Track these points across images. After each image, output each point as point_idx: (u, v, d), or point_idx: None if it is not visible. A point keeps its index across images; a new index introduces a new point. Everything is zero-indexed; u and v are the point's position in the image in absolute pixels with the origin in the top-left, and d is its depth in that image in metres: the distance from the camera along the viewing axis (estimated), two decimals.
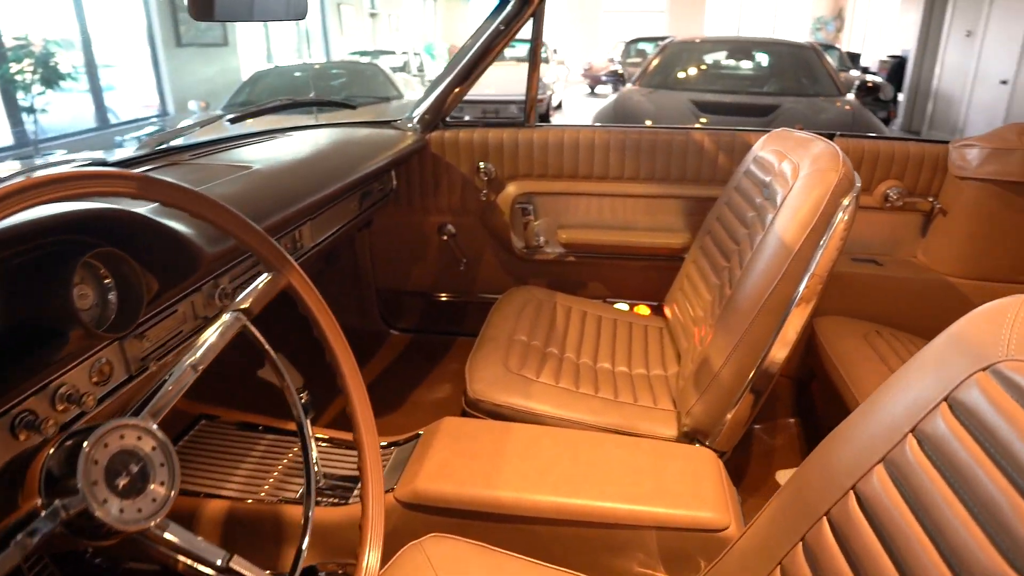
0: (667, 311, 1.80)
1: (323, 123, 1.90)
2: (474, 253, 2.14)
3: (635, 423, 1.37)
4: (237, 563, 0.65)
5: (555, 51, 12.98)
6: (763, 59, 6.10)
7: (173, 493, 0.60)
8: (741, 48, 6.30)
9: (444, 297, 2.25)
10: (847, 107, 4.88)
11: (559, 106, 11.24)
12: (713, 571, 0.93)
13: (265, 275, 0.76)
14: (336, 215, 1.61)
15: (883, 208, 1.89)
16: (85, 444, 0.57)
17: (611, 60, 12.53)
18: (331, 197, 1.39)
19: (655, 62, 5.78)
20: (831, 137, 1.83)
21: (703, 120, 4.70)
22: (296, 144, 1.62)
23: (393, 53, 11.57)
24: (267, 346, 0.77)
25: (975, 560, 0.55)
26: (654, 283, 2.02)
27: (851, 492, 0.70)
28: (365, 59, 9.22)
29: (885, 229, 1.93)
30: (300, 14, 1.10)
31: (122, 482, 0.58)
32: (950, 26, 9.79)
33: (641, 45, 12.58)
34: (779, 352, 1.24)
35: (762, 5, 16.66)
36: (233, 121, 1.66)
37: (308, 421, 0.86)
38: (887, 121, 9.88)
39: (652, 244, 1.99)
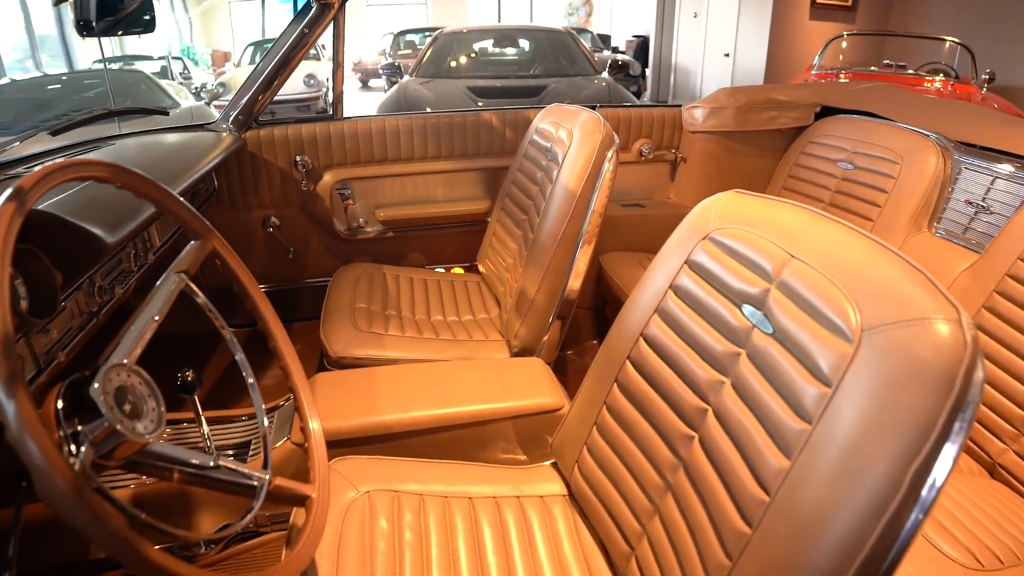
0: (481, 267, 2.11)
1: (144, 130, 1.97)
2: (300, 241, 2.32)
3: (475, 353, 1.67)
4: (224, 462, 0.85)
5: (323, 47, 12.89)
6: (527, 45, 6.62)
7: (164, 410, 0.79)
8: (506, 36, 6.79)
9: (276, 287, 2.40)
10: (603, 84, 5.51)
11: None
12: (556, 441, 1.25)
13: (192, 242, 0.95)
14: (171, 218, 1.73)
15: (639, 161, 2.34)
16: (95, 383, 0.73)
17: (383, 53, 12.69)
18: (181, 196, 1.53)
19: (428, 53, 6.07)
20: (593, 108, 2.24)
21: (480, 104, 5.08)
22: (128, 151, 1.71)
23: (150, 58, 10.87)
24: (205, 298, 0.96)
25: (712, 348, 0.90)
26: (466, 246, 2.33)
27: (640, 338, 1.04)
28: (115, 66, 8.64)
29: (643, 178, 2.39)
30: None
31: (127, 407, 0.76)
32: (680, 8, 11.12)
33: (409, 37, 12.86)
34: (575, 282, 1.60)
35: None
36: (55, 133, 1.70)
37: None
38: (639, 93, 11.03)
39: (460, 212, 2.30)
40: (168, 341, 0.88)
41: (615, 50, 13.06)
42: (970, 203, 1.76)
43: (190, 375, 0.99)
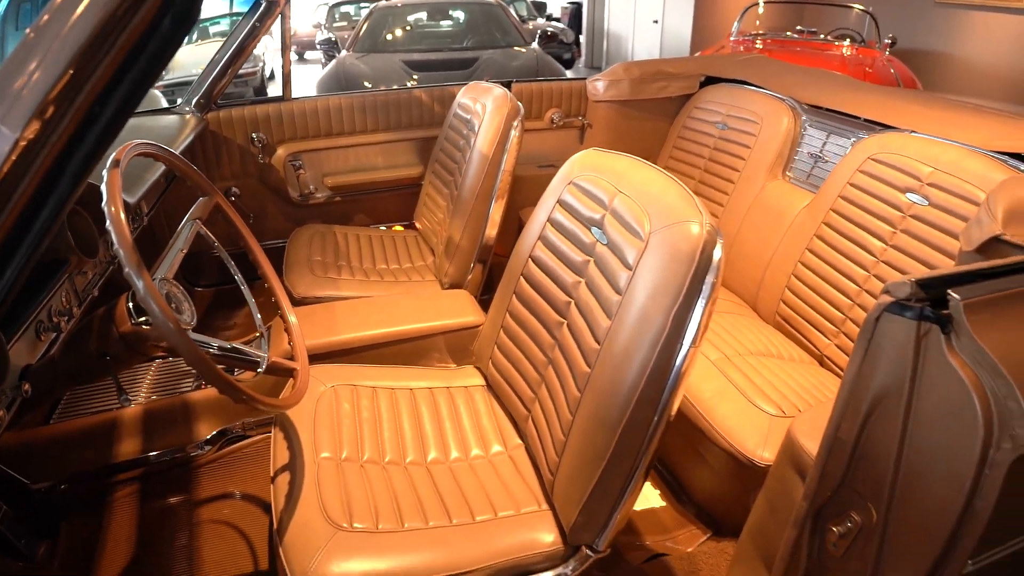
0: (418, 224, 2.47)
1: None
2: (259, 208, 2.64)
3: (414, 291, 2.05)
4: (237, 344, 1.20)
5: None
6: (460, 16, 6.89)
7: (194, 309, 1.14)
8: (439, 8, 7.02)
9: (239, 250, 2.71)
10: (532, 54, 5.86)
11: (272, 76, 11.29)
12: (475, 346, 1.63)
13: (201, 198, 1.30)
14: (154, 190, 2.04)
15: (551, 128, 2.73)
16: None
17: (318, 26, 12.72)
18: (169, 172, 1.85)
19: (364, 27, 6.27)
20: (509, 84, 2.61)
21: (415, 77, 5.37)
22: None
23: None
24: (214, 239, 1.31)
25: (573, 259, 1.29)
26: (404, 206, 2.69)
27: (529, 259, 1.42)
28: None
29: (556, 143, 2.77)
30: None
31: (173, 305, 1.10)
32: None
33: (344, 8, 12.92)
34: (491, 230, 1.98)
35: None
36: None
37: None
38: (572, 61, 11.38)
39: (398, 177, 2.65)
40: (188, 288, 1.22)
41: (550, 18, 13.36)
42: (811, 155, 2.19)
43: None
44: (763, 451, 1.44)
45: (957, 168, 1.65)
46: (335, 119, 2.55)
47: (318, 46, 6.99)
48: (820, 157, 2.15)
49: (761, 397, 1.59)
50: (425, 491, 1.28)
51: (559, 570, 1.19)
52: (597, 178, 1.29)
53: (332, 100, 2.52)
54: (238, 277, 1.35)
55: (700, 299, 1.02)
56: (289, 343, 1.34)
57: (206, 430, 1.79)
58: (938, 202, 1.65)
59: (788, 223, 2.06)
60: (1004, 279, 0.99)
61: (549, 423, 1.27)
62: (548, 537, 1.20)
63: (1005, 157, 1.63)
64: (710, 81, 2.68)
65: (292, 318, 1.37)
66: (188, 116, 2.34)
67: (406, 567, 1.11)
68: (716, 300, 1.04)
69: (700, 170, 2.48)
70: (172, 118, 2.29)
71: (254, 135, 2.48)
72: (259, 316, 1.34)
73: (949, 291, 0.91)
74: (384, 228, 2.72)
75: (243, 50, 2.33)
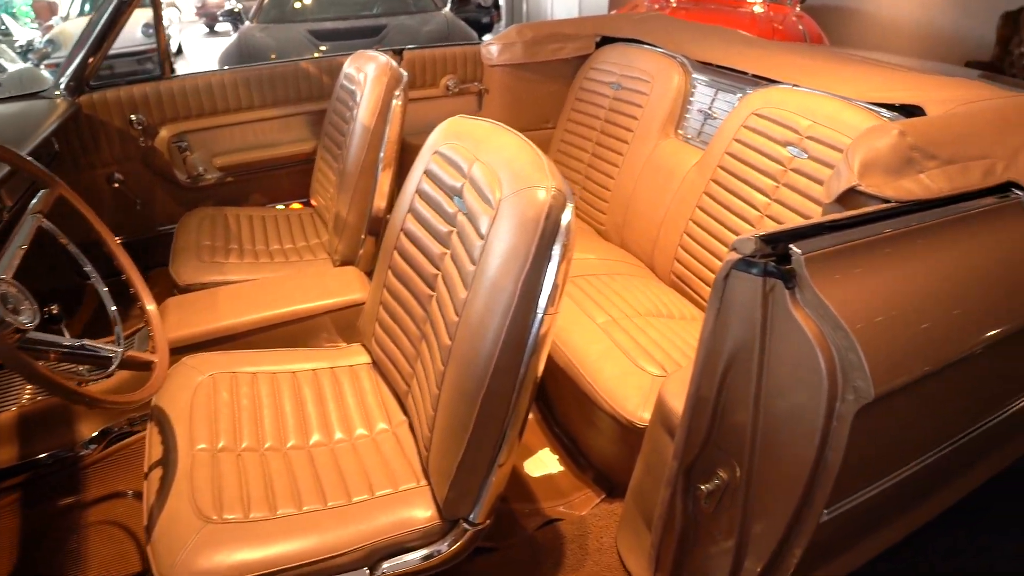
0: (313, 201, 2.41)
1: None
2: (146, 193, 2.52)
3: (304, 270, 2.00)
4: (87, 341, 1.14)
5: None
6: None
7: (37, 308, 1.07)
8: None
9: (129, 238, 2.60)
10: (443, 19, 5.74)
11: (179, 51, 10.82)
12: (359, 324, 1.60)
13: (42, 191, 1.22)
14: (20, 182, 1.92)
15: (448, 95, 2.67)
16: None
17: None
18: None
19: None
20: (401, 52, 2.54)
21: (323, 48, 5.21)
22: None
23: None
24: (63, 235, 1.24)
25: (439, 230, 1.27)
26: (300, 183, 2.61)
27: (400, 232, 1.39)
28: None
29: (454, 109, 2.69)
30: None
31: (10, 306, 1.03)
32: None
33: None
34: (380, 202, 1.93)
35: None
36: None
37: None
38: (491, 24, 11.24)
39: (290, 153, 2.57)
40: (35, 294, 1.14)
41: None
42: (701, 112, 2.20)
43: (55, 309, 1.26)
44: (644, 412, 1.46)
45: (833, 121, 1.68)
46: (219, 96, 2.45)
47: (220, 18, 6.71)
48: (709, 114, 2.17)
49: (645, 358, 1.61)
50: (303, 476, 1.25)
51: (435, 546, 1.19)
52: (458, 145, 1.27)
53: (214, 76, 2.41)
54: (88, 269, 1.28)
55: (550, 264, 1.01)
56: (149, 333, 1.29)
57: (89, 429, 1.72)
58: (816, 155, 1.68)
59: (679, 181, 2.07)
60: (845, 232, 1.01)
61: (424, 398, 1.26)
62: (425, 513, 1.19)
63: (880, 109, 1.66)
64: (607, 41, 2.66)
65: (150, 306, 1.31)
66: (58, 100, 2.21)
67: (277, 554, 1.09)
68: (569, 263, 1.04)
69: (597, 131, 2.47)
70: (39, 103, 2.16)
71: (133, 117, 2.36)
72: (113, 308, 1.28)
73: (791, 246, 0.92)
74: (282, 207, 2.64)
75: (114, 23, 2.19)
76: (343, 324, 1.78)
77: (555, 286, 1.02)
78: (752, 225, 1.79)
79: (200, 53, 11.66)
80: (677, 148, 2.18)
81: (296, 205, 2.67)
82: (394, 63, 1.95)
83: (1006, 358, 1.17)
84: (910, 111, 1.62)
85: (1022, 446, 1.48)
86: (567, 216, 1.01)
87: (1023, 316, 1.14)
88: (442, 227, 1.26)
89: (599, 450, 1.74)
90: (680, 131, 2.25)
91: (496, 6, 12.14)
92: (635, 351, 1.63)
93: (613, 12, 7.54)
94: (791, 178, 1.72)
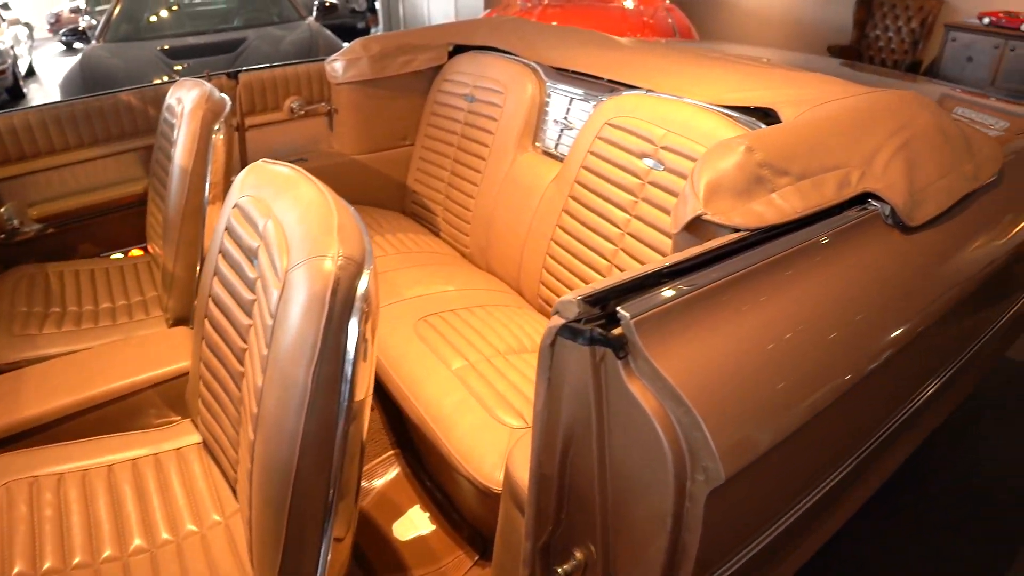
0: (150, 247, 2.17)
1: None
2: None
3: (134, 332, 1.77)
4: None
5: (5, 6, 11.25)
6: None
7: None
8: None
9: None
10: (307, 30, 5.47)
11: (31, 73, 9.99)
12: (187, 397, 1.41)
13: None
14: None
15: (293, 118, 2.48)
16: None
17: (77, 11, 11.34)
18: None
19: (116, 12, 5.57)
20: (236, 74, 2.33)
21: (178, 68, 4.86)
22: None
23: None
24: None
25: (241, 295, 1.10)
26: (136, 227, 2.35)
27: (208, 297, 1.22)
28: None
29: (303, 133, 2.53)
30: None
31: None
32: None
33: None
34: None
35: None
36: None
37: None
38: (367, 30, 10.95)
39: (120, 196, 2.31)
40: None
41: None
42: (556, 122, 2.10)
43: None
44: (500, 473, 1.33)
45: (687, 128, 1.60)
46: (26, 140, 2.16)
47: (62, 38, 6.18)
48: (566, 125, 2.07)
49: (503, 407, 1.48)
50: None
51: None
52: (256, 198, 1.11)
53: (17, 117, 2.13)
54: None
55: (348, 345, 0.87)
56: None
57: None
58: (673, 166, 1.60)
59: (539, 198, 1.96)
60: (688, 277, 0.90)
61: (244, 476, 1.10)
62: None
63: (736, 112, 1.59)
64: (462, 50, 2.53)
65: None
66: None
67: None
68: (371, 342, 0.90)
69: (454, 147, 2.34)
70: None
71: None
72: None
73: (619, 308, 0.81)
74: (120, 255, 2.38)
75: None
76: (173, 397, 1.57)
77: (355, 371, 0.88)
78: (614, 244, 1.70)
79: (57, 74, 10.82)
80: (535, 162, 2.07)
81: (136, 251, 2.42)
82: (214, 91, 1.75)
83: (882, 383, 1.10)
84: (766, 111, 1.56)
85: (895, 462, 1.43)
86: (363, 284, 0.87)
87: (897, 340, 1.07)
88: (246, 294, 1.10)
89: (468, 508, 1.60)
90: (538, 143, 2.15)
91: (372, 10, 11.85)
92: (493, 400, 1.50)
93: (483, 14, 7.40)
94: (649, 192, 1.64)
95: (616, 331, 0.79)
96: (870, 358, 1.01)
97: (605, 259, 1.72)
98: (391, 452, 1.77)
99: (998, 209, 1.45)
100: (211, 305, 1.22)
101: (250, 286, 1.08)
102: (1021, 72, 4.99)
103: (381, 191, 2.61)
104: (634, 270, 0.88)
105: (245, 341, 1.09)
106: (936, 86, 2.51)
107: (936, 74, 5.57)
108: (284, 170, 1.11)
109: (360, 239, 0.90)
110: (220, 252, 1.19)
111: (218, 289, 1.19)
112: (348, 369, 0.87)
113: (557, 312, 0.82)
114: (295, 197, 1.01)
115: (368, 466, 1.76)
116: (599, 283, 0.83)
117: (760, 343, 0.87)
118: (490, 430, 1.41)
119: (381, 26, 12.03)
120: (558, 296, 1.86)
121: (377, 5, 12.23)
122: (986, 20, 5.14)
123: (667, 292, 0.83)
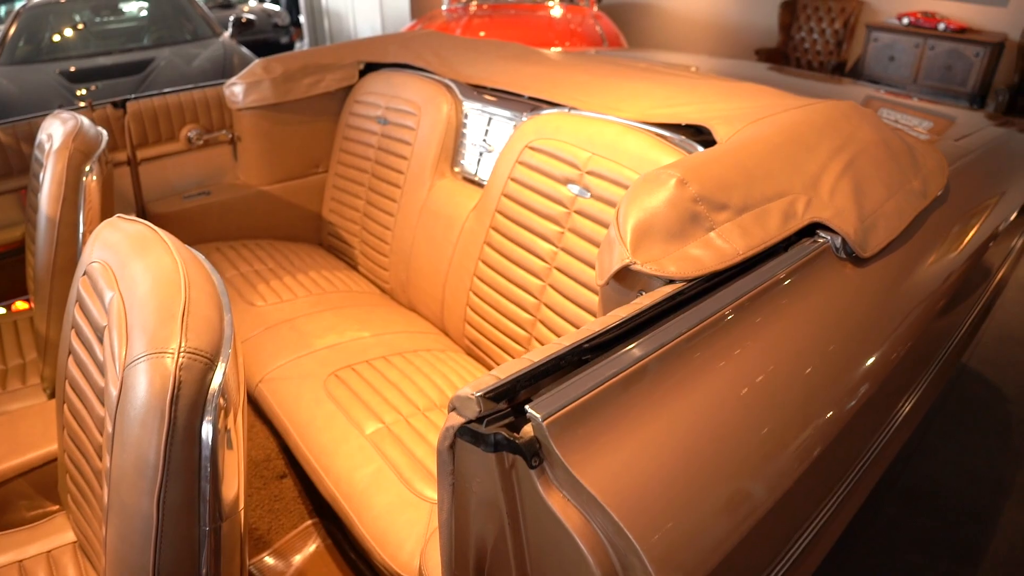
0: (33, 302, 1.94)
1: None
2: None
3: (5, 407, 1.55)
4: None
5: None
6: (136, 9, 5.98)
7: None
8: (107, 2, 6.07)
9: None
10: (220, 48, 5.21)
11: None
12: (59, 489, 1.21)
13: None
14: None
15: (192, 149, 2.27)
16: None
17: None
18: None
19: (11, 33, 5.22)
20: (124, 103, 2.11)
21: (81, 92, 4.55)
22: None
23: None
24: None
25: (96, 383, 0.92)
26: (15, 278, 2.11)
27: (66, 381, 1.03)
28: None
29: (204, 164, 2.32)
30: None
31: None
32: None
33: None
34: None
35: None
36: None
37: None
38: (291, 45, 10.65)
39: None
40: None
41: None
42: (475, 144, 1.95)
43: None
44: (418, 559, 1.17)
45: (614, 150, 1.47)
46: None
47: None
48: (485, 147, 1.93)
49: (423, 478, 1.31)
50: None
51: None
52: (104, 265, 0.92)
53: None
54: None
55: (202, 461, 0.70)
56: None
57: None
58: (600, 193, 1.47)
59: (459, 230, 1.81)
60: (613, 355, 0.76)
61: None
62: None
63: (666, 131, 1.47)
64: (374, 68, 2.37)
65: None
66: None
67: None
68: (236, 430, 0.73)
69: (369, 175, 2.17)
70: None
71: None
72: None
73: (528, 407, 0.66)
74: (3, 309, 2.14)
75: None
76: (48, 484, 1.36)
77: (216, 487, 0.71)
78: (541, 279, 1.56)
79: None
80: (454, 189, 1.92)
81: (21, 304, 2.17)
82: (86, 125, 1.55)
83: (848, 442, 0.97)
84: (698, 128, 1.44)
85: (862, 498, 1.32)
86: (217, 378, 0.71)
87: (861, 394, 0.95)
88: (99, 378, 0.91)
89: None
90: (457, 168, 2.00)
91: (296, 24, 11.54)
92: (410, 470, 1.33)
93: (406, 27, 7.20)
94: (576, 222, 1.51)
95: (527, 430, 0.65)
96: (832, 431, 0.88)
97: (532, 296, 1.58)
98: (308, 522, 1.59)
99: (948, 222, 1.36)
100: (68, 387, 1.03)
101: (102, 370, 0.90)
102: (941, 69, 5.08)
103: (294, 224, 2.42)
104: (548, 346, 0.73)
105: (102, 434, 0.91)
106: (861, 88, 2.45)
107: (861, 73, 5.64)
108: (139, 229, 0.93)
109: (215, 322, 0.74)
110: (72, 327, 1.00)
111: (72, 369, 1.01)
112: (206, 488, 0.70)
113: (454, 409, 0.67)
114: (145, 266, 0.83)
115: (283, 540, 1.57)
116: (505, 367, 0.68)
117: (705, 430, 0.73)
118: (408, 508, 1.24)
119: (307, 40, 11.72)
120: (486, 337, 1.72)
121: (301, 19, 11.95)
122: (905, 20, 5.22)
123: (587, 379, 0.69)
